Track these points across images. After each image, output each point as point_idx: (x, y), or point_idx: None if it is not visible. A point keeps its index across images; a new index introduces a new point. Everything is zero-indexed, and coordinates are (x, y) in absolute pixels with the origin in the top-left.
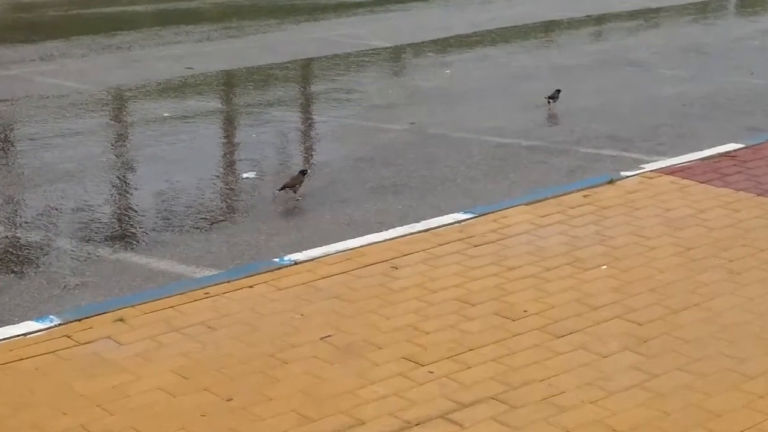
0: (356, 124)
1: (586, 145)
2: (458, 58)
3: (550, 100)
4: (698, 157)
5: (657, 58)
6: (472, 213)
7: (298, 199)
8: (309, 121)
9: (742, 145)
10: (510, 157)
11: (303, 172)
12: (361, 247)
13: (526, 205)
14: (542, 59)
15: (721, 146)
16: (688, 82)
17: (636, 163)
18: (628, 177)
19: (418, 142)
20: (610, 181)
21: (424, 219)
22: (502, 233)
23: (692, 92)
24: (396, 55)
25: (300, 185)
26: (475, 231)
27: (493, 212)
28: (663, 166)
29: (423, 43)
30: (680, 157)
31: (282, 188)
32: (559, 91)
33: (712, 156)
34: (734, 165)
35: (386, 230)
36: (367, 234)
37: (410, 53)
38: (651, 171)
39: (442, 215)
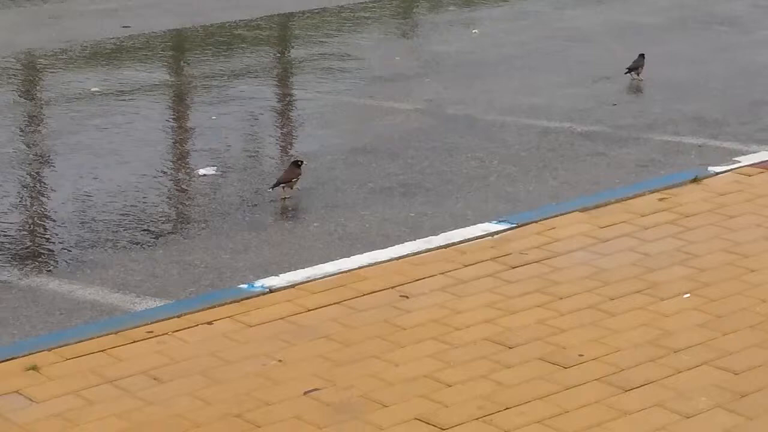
0: (352, 102)
1: (662, 130)
2: (489, 13)
3: (633, 72)
4: None
5: (757, 14)
6: (508, 223)
7: (286, 198)
8: (288, 99)
9: None
10: (559, 148)
11: (297, 164)
12: (359, 268)
13: (582, 211)
14: (602, 16)
15: None
16: None
17: (729, 155)
18: (718, 174)
19: (435, 127)
20: (695, 180)
21: (444, 231)
22: (549, 250)
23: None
24: (406, 8)
25: (297, 180)
26: (513, 247)
27: (536, 221)
28: (765, 159)
29: None
30: None
31: (276, 185)
32: (642, 56)
33: None
34: None
35: (393, 246)
36: (368, 251)
37: (424, 6)
38: (750, 166)
39: (469, 225)
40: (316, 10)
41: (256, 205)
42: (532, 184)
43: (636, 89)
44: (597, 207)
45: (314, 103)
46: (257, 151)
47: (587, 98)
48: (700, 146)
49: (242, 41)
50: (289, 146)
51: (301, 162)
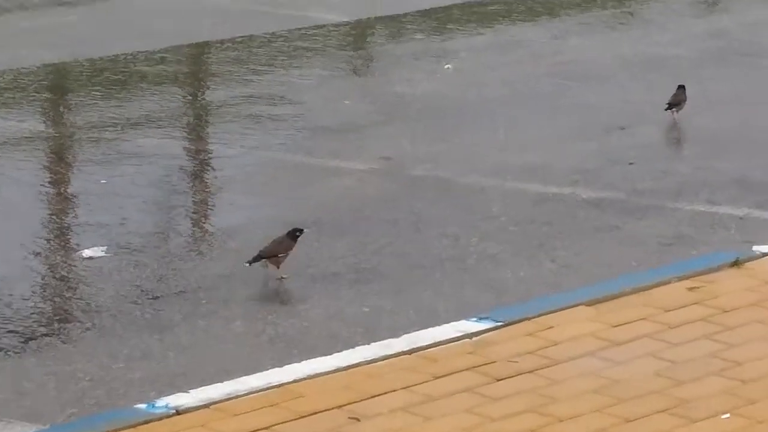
0: (287, 160)
1: (694, 197)
2: (467, 43)
3: (674, 109)
4: None
5: None
6: (492, 320)
7: (283, 278)
8: (203, 156)
9: None
10: (559, 220)
11: (294, 234)
12: (295, 382)
13: (589, 305)
14: (614, 46)
15: None
16: None
17: None
18: (766, 255)
19: (397, 194)
20: (736, 263)
21: (408, 331)
22: (545, 356)
23: None
24: (357, 36)
25: (287, 255)
26: (499, 353)
27: (529, 319)
28: None
29: (406, 16)
30: None
31: (256, 259)
32: (683, 89)
33: None
34: None
35: (341, 351)
36: (307, 358)
37: (382, 34)
38: None
39: (440, 324)
40: (240, 39)
41: (158, 297)
42: (524, 268)
43: (661, 143)
44: (608, 299)
45: (237, 162)
46: (161, 227)
47: (595, 155)
48: (742, 218)
49: (142, 79)
50: (203, 219)
51: (301, 232)
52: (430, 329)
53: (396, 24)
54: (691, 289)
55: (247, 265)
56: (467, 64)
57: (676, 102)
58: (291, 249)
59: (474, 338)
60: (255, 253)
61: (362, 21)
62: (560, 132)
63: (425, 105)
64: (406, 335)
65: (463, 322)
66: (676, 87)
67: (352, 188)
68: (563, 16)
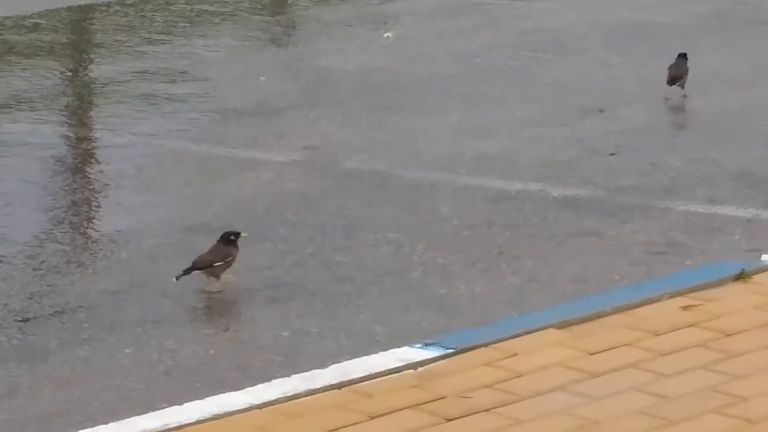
0: (189, 151)
1: (689, 195)
2: (411, 5)
3: (678, 83)
4: None
5: None
6: (441, 347)
7: (220, 291)
8: (85, 146)
9: None
10: (524, 224)
11: (230, 238)
12: (198, 423)
13: (560, 328)
14: (591, 12)
15: None
16: None
17: None
18: None
19: (324, 191)
20: (741, 276)
21: (338, 360)
22: (507, 391)
23: None
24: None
25: (228, 264)
26: (449, 386)
27: (487, 345)
28: None
29: None
30: None
31: (189, 270)
32: (683, 57)
33: None
34: None
35: (254, 385)
36: (213, 394)
37: None
38: None
39: (377, 351)
40: (131, 2)
41: (29, 319)
42: (480, 282)
43: (649, 130)
44: (584, 320)
45: (128, 153)
46: (34, 232)
47: (569, 144)
48: (749, 221)
49: (9, 51)
50: (86, 222)
51: (236, 235)
52: (365, 358)
53: None
54: (685, 307)
55: (175, 280)
56: (411, 31)
57: (679, 75)
58: (231, 255)
59: (419, 369)
60: (190, 263)
61: None
62: (526, 115)
63: (359, 82)
64: (334, 365)
65: (405, 349)
66: (676, 56)
67: (269, 184)
68: None
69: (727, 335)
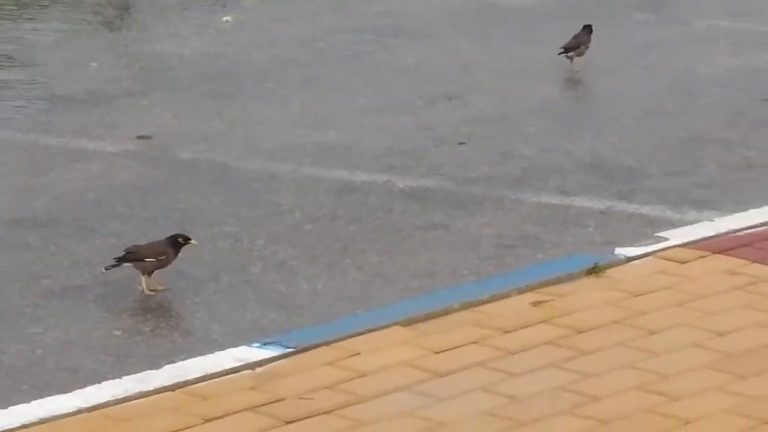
0: (16, 140)
1: (540, 185)
2: None
3: (570, 53)
4: None
5: None
6: (280, 346)
7: (153, 291)
8: None
9: None
10: (368, 216)
11: (176, 240)
12: (24, 427)
13: (406, 325)
14: None
15: None
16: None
17: (650, 228)
18: (632, 260)
19: (158, 183)
20: (594, 270)
21: (172, 360)
22: (349, 391)
23: None
24: None
25: (158, 262)
26: (289, 387)
27: (328, 343)
28: (709, 234)
29: None
30: (749, 213)
31: (119, 261)
32: (588, 28)
33: None
34: None
35: (84, 387)
36: (40, 397)
37: None
38: (683, 245)
39: (214, 351)
40: None
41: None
42: (323, 278)
43: (500, 118)
44: (430, 317)
45: None
46: None
47: (416, 133)
48: (602, 212)
49: None
50: None
51: (185, 240)
52: (200, 358)
53: None
54: (536, 303)
55: (104, 270)
56: (251, 15)
57: (574, 46)
58: (165, 256)
59: (257, 369)
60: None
61: None
62: (371, 103)
63: (196, 69)
64: (168, 365)
65: (243, 348)
66: (581, 28)
67: (100, 176)
68: None
69: (579, 332)
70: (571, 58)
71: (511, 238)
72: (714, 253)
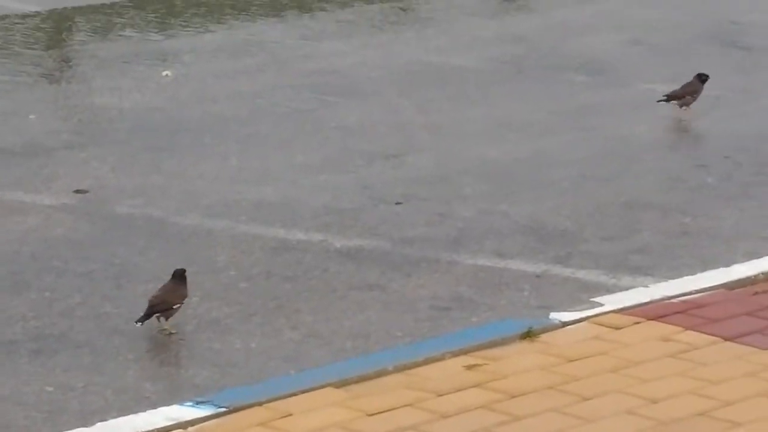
0: None
1: (477, 248)
2: (191, 43)
3: (672, 101)
4: (722, 281)
5: (636, 56)
6: (213, 405)
7: (171, 333)
8: None
9: None
10: (304, 275)
11: (183, 276)
12: None
13: (338, 387)
14: (382, 53)
15: None
16: (709, 110)
17: (585, 293)
18: (567, 324)
19: (94, 237)
20: (528, 335)
21: (105, 418)
22: None
23: (714, 132)
24: (52, 31)
25: (181, 305)
26: None
27: (261, 404)
28: (644, 300)
29: (114, 6)
30: (684, 279)
31: (147, 316)
32: (700, 78)
33: (751, 279)
34: None
35: None
36: None
37: (85, 29)
38: (618, 311)
39: (147, 409)
40: None
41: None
42: (257, 337)
43: (438, 178)
44: (364, 379)
45: None
46: None
47: (354, 192)
48: (538, 276)
49: None
50: None
51: (183, 272)
52: (132, 416)
53: (101, 16)
54: (469, 367)
55: (139, 324)
56: (192, 70)
57: (680, 94)
58: (186, 295)
59: (189, 429)
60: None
61: (57, 11)
62: (309, 161)
63: (135, 123)
64: (100, 423)
65: (175, 407)
66: (694, 76)
67: (35, 229)
68: (316, 11)
69: (512, 397)
70: (677, 105)
71: (446, 300)
72: (648, 319)
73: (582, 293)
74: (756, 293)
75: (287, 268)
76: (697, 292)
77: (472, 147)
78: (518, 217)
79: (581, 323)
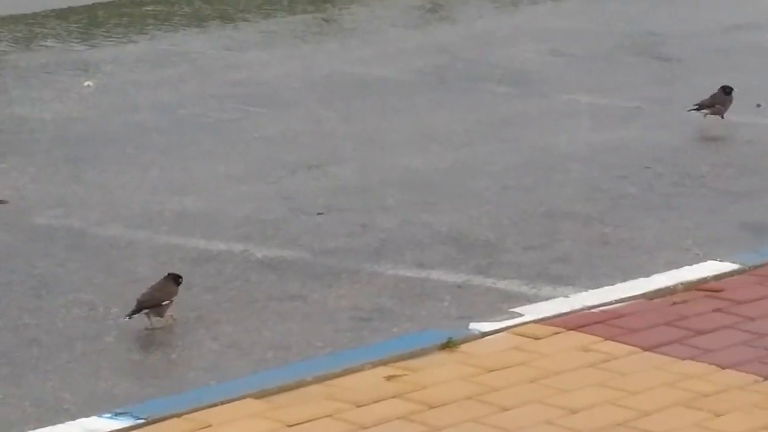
0: None
1: (398, 258)
2: (114, 54)
3: (703, 110)
4: (641, 291)
5: (557, 67)
6: (132, 417)
7: (154, 329)
8: None
9: (734, 266)
10: (225, 286)
11: (176, 279)
12: None
13: (258, 398)
14: (301, 64)
15: (691, 267)
16: (629, 120)
17: (506, 303)
18: (486, 335)
19: (14, 248)
20: (448, 345)
21: (23, 429)
22: None
23: (635, 143)
24: None
25: (171, 303)
26: None
27: (180, 414)
28: (564, 310)
29: (36, 16)
30: (604, 289)
31: (136, 311)
32: (725, 90)
33: (670, 289)
34: (716, 309)
35: None
36: None
37: (6, 39)
38: (538, 321)
39: (66, 421)
40: None
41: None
42: (177, 348)
43: (360, 189)
44: (284, 390)
45: None
46: None
47: (276, 202)
48: (459, 286)
49: None
50: None
51: (179, 278)
52: (51, 427)
53: (23, 27)
54: (389, 377)
55: (127, 318)
56: (113, 80)
57: (710, 104)
58: (175, 294)
59: None
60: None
61: None
62: (231, 171)
63: (56, 133)
64: None
65: (94, 419)
66: (718, 88)
67: None
68: (239, 21)
69: (432, 407)
70: (704, 115)
71: (367, 310)
72: (568, 329)
73: (502, 303)
74: (675, 303)
75: (208, 279)
76: (616, 302)
77: (395, 157)
78: (440, 227)
79: (501, 333)
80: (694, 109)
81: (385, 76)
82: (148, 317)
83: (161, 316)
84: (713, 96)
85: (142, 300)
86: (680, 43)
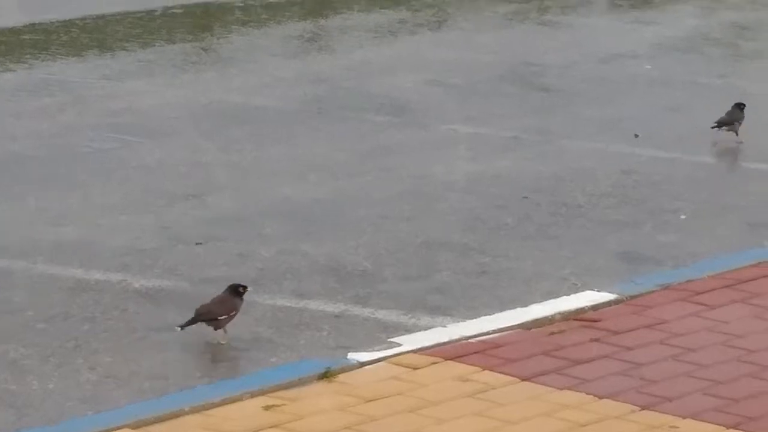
0: None
1: (275, 288)
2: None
3: (723, 127)
4: (519, 321)
5: (435, 96)
6: None
7: (221, 343)
8: None
9: (611, 296)
10: (102, 316)
11: (237, 290)
12: None
13: (135, 428)
14: (183, 92)
15: (568, 297)
16: (508, 150)
17: (384, 333)
18: (364, 365)
19: None
20: (326, 375)
21: None
22: None
23: (513, 173)
24: None
25: (231, 317)
26: None
27: None
28: (442, 340)
29: None
30: (482, 319)
31: (192, 321)
32: (738, 106)
33: (548, 319)
34: (593, 339)
35: None
36: None
37: None
38: (415, 351)
39: None
40: None
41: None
42: (54, 378)
43: (239, 218)
44: (161, 420)
45: None
46: None
47: (154, 232)
48: (337, 316)
49: None
50: None
51: (244, 288)
52: None
53: None
54: (268, 407)
55: (179, 329)
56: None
57: (728, 121)
58: (235, 309)
59: None
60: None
61: None
62: (108, 201)
63: None
64: None
65: None
66: (732, 105)
67: None
68: (118, 50)
69: None
70: (732, 130)
71: (245, 340)
72: (446, 359)
73: (381, 333)
74: (552, 333)
75: (85, 309)
76: (494, 332)
77: (273, 187)
78: (318, 257)
79: (379, 363)
80: (714, 127)
81: (264, 105)
82: (214, 329)
83: (216, 329)
84: (729, 113)
85: (200, 312)
86: (559, 73)
